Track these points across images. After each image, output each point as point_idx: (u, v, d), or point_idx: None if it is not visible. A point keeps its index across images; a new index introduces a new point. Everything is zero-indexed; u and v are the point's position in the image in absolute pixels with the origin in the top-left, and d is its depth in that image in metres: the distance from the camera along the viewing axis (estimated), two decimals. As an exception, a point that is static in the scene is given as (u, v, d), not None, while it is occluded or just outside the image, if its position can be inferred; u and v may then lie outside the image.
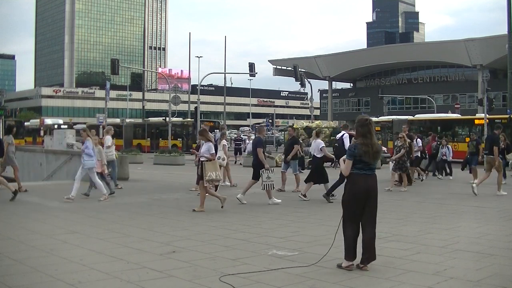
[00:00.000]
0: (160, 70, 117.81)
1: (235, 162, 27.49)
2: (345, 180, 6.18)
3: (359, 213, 5.83)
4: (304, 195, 12.15)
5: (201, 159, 10.62)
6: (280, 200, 11.74)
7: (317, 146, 12.59)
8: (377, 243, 7.20)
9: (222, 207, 10.59)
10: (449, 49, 64.25)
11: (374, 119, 43.65)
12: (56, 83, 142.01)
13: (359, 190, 5.84)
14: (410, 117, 36.51)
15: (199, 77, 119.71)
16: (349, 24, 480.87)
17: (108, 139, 14.64)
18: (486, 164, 13.69)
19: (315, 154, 12.62)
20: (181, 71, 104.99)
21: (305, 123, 31.38)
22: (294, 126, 24.17)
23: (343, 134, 13.08)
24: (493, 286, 5.14)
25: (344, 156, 6.12)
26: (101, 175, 12.61)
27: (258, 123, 79.80)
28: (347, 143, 12.51)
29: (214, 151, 10.89)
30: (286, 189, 14.10)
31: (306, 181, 12.45)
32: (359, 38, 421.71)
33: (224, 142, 15.33)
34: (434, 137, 20.49)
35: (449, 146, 19.95)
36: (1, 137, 15.44)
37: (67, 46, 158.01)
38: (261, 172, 11.59)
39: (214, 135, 16.67)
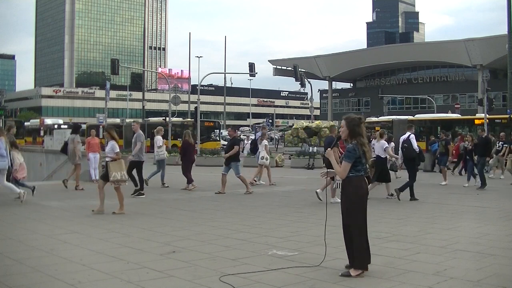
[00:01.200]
0: (160, 70, 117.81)
1: None
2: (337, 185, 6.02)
3: (366, 216, 5.69)
4: (392, 194, 12.49)
5: (106, 159, 10.28)
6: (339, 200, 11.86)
7: (381, 146, 12.76)
8: (377, 243, 7.22)
9: (114, 212, 9.97)
10: (449, 49, 64.27)
11: (374, 119, 43.77)
12: (56, 83, 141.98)
13: (365, 193, 5.69)
14: (410, 117, 36.53)
15: (199, 77, 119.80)
16: (349, 24, 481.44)
17: (159, 139, 15.24)
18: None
19: (379, 154, 12.78)
20: (181, 71, 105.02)
21: (305, 123, 31.39)
22: (294, 126, 24.16)
23: (409, 135, 13.14)
24: (493, 286, 5.14)
25: (328, 151, 5.87)
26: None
27: (258, 123, 79.82)
28: (415, 144, 12.82)
29: (118, 150, 10.33)
30: (243, 191, 13.78)
31: (373, 181, 12.61)
32: (359, 38, 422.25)
33: (265, 141, 15.50)
34: (463, 138, 20.25)
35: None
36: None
37: (67, 46, 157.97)
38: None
39: (240, 134, 17.10)
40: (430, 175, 19.79)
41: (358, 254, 5.50)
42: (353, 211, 5.59)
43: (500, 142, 18.99)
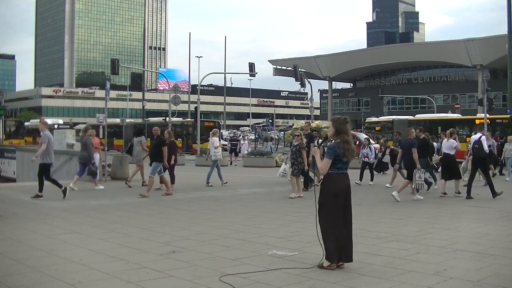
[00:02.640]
0: (160, 70, 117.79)
1: (231, 163, 27.22)
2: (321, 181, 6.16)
3: (341, 212, 5.83)
4: (445, 193, 12.91)
5: None
6: (422, 197, 12.40)
7: (450, 145, 13.13)
8: (377, 243, 7.22)
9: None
10: (449, 49, 64.29)
11: (374, 119, 43.63)
12: (56, 83, 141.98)
13: (340, 190, 5.84)
14: (410, 117, 36.51)
15: (199, 77, 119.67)
16: (349, 24, 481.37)
17: (216, 140, 16.14)
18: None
19: (448, 151, 13.10)
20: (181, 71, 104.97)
21: (305, 123, 31.33)
22: (294, 126, 24.14)
23: (481, 136, 13.33)
24: (493, 286, 5.14)
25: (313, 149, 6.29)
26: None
27: (258, 123, 79.83)
28: (485, 145, 13.20)
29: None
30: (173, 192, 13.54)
31: (442, 178, 13.17)
32: (359, 38, 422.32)
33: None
34: (496, 138, 20.07)
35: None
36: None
37: (67, 46, 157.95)
38: (414, 172, 12.38)
39: (240, 134, 18.02)
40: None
41: (325, 246, 5.80)
42: (323, 206, 5.85)
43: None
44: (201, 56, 75.47)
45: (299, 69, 37.30)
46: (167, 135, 14.72)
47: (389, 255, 6.45)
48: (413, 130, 13.90)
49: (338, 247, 5.73)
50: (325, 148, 6.24)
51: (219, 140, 16.06)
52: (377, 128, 38.91)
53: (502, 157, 18.37)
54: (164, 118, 42.80)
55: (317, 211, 5.92)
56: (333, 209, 5.81)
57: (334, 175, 5.84)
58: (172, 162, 14.14)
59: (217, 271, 5.67)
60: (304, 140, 13.51)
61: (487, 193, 13.10)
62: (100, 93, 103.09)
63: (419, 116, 37.50)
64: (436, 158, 15.73)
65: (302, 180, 13.86)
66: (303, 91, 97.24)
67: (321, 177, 6.48)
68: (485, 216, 9.86)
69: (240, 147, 30.77)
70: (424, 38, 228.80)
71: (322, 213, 5.86)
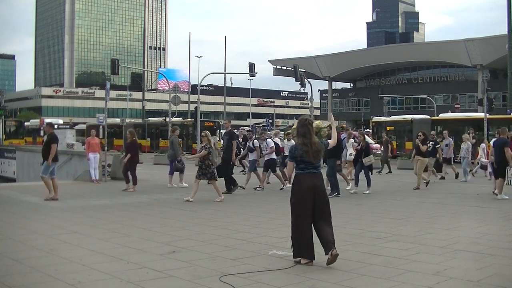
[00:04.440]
0: (160, 70, 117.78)
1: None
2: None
3: (309, 211, 5.97)
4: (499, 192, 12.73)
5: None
6: (507, 197, 12.29)
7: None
8: (377, 243, 7.22)
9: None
10: (449, 49, 64.28)
11: (383, 118, 41.15)
12: (56, 83, 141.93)
13: (305, 188, 5.99)
14: (427, 117, 34.21)
15: (199, 77, 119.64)
16: (349, 24, 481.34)
17: (270, 142, 15.91)
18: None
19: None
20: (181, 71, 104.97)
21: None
22: (294, 126, 24.20)
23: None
24: (493, 286, 5.14)
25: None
26: None
27: (258, 123, 79.80)
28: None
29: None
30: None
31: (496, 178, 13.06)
32: (359, 38, 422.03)
33: (352, 140, 16.74)
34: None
35: None
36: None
37: (67, 46, 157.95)
38: (507, 169, 12.43)
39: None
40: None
41: (292, 244, 6.04)
42: (293, 205, 6.11)
43: (431, 142, 17.12)
44: (201, 56, 75.36)
45: (299, 69, 37.32)
46: (129, 135, 14.54)
47: (389, 255, 6.45)
48: (506, 129, 13.71)
49: (305, 245, 5.93)
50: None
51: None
52: (388, 128, 35.65)
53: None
54: (164, 118, 42.78)
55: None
56: (300, 208, 6.00)
57: (299, 175, 6.09)
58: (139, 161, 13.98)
59: (217, 271, 5.67)
60: (212, 142, 12.57)
61: (487, 193, 13.12)
62: (100, 93, 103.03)
63: (444, 116, 35.52)
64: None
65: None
66: (303, 91, 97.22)
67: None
68: (485, 216, 9.86)
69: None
70: (424, 38, 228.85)
71: (291, 213, 6.13)
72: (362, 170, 13.92)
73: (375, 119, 41.54)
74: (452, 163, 18.99)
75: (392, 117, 42.29)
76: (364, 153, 14.00)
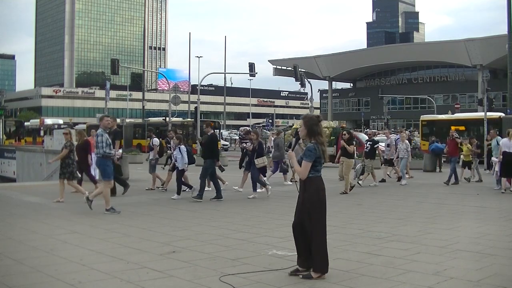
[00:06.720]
0: (160, 70, 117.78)
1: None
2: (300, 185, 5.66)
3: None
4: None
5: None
6: None
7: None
8: (377, 243, 7.22)
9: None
10: (449, 49, 64.35)
11: (454, 116, 36.69)
12: (56, 83, 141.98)
13: (325, 194, 5.54)
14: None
15: (199, 77, 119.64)
16: (349, 24, 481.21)
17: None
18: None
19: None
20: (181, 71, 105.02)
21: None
22: (294, 126, 24.21)
23: None
24: (493, 286, 5.14)
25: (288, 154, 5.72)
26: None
27: (258, 123, 79.83)
28: None
29: None
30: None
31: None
32: (359, 38, 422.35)
33: (406, 141, 17.28)
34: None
35: None
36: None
37: (67, 46, 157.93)
38: None
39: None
40: (430, 175, 19.83)
41: (319, 256, 5.37)
42: (315, 213, 5.43)
43: (369, 142, 16.45)
44: (201, 56, 75.59)
45: (299, 69, 37.33)
46: (79, 136, 13.36)
47: (389, 255, 6.45)
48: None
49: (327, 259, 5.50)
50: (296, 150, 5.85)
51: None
52: (453, 128, 29.31)
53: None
54: (164, 118, 42.77)
55: (298, 215, 5.64)
56: (323, 215, 5.54)
57: (315, 179, 5.50)
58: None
59: (217, 271, 5.67)
60: (75, 141, 12.08)
61: (487, 193, 13.12)
62: (100, 93, 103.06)
63: None
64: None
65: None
66: (303, 91, 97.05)
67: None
68: (485, 216, 9.86)
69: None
70: (424, 38, 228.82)
71: (314, 221, 5.47)
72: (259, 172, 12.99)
73: (426, 117, 34.54)
74: (395, 164, 17.76)
75: (456, 114, 36.72)
76: (256, 154, 13.03)
